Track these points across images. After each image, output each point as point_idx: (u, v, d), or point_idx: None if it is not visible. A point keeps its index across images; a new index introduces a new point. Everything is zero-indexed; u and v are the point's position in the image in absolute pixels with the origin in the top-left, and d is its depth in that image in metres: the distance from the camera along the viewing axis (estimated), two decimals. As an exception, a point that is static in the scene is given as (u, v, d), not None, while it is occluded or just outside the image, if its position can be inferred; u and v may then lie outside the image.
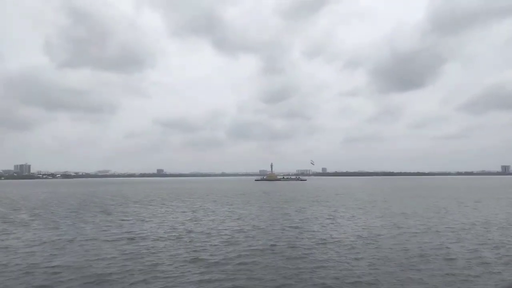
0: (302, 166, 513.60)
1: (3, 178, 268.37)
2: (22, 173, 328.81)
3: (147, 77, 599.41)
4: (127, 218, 27.63)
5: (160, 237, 21.13)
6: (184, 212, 31.32)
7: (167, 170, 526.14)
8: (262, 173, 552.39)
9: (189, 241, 20.10)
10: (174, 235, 21.38)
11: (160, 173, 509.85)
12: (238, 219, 27.14)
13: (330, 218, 26.93)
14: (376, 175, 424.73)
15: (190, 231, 22.55)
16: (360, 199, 41.70)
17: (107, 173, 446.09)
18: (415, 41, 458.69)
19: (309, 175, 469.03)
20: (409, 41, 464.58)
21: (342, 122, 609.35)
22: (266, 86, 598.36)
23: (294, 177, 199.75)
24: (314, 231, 22.23)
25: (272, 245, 19.21)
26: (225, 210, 32.18)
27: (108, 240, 20.37)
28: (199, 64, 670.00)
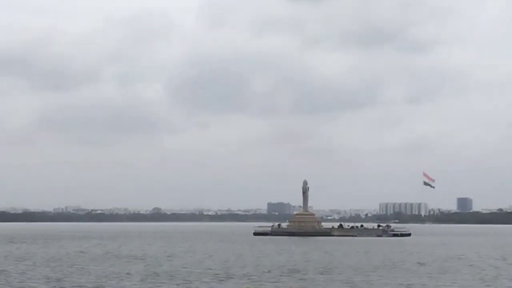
0: (396, 195, 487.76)
1: None
2: None
3: None
4: None
5: None
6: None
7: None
8: (275, 209, 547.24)
9: None
10: None
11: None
12: None
13: None
14: None
15: None
16: None
17: None
18: None
19: (420, 219, 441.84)
20: None
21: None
22: None
23: (376, 226, 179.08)
24: None
25: None
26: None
27: None
28: None
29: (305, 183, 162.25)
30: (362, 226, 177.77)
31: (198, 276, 49.80)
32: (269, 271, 53.99)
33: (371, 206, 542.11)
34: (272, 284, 44.04)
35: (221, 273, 51.95)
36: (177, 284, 43.67)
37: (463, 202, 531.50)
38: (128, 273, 51.80)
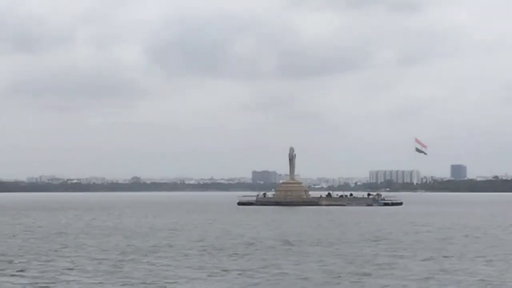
0: (387, 162, 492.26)
1: None
2: None
3: None
4: None
5: None
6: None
7: None
8: (260, 178, 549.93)
9: None
10: None
11: None
12: None
13: None
14: None
15: None
16: None
17: None
18: None
19: (412, 187, 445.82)
20: None
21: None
22: None
23: (366, 195, 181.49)
24: None
25: None
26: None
27: None
28: None
29: (291, 150, 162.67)
30: (351, 195, 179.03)
31: (181, 249, 49.97)
32: (254, 243, 54.38)
33: (361, 174, 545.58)
34: (259, 257, 44.44)
35: (205, 246, 52.12)
36: (159, 257, 43.81)
37: (457, 169, 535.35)
38: (107, 246, 51.96)
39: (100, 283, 32.35)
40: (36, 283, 32.37)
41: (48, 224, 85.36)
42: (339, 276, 34.36)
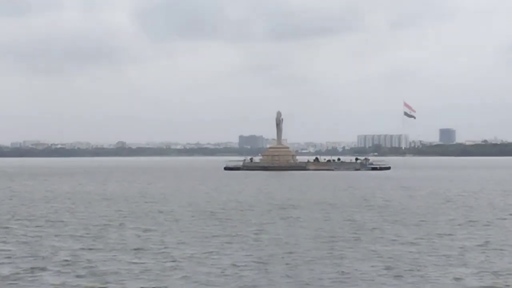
0: (376, 126, 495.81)
1: None
2: None
3: None
4: None
5: None
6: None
7: None
8: (247, 143, 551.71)
9: None
10: None
11: None
12: None
13: None
14: None
15: None
16: None
17: None
18: None
19: (401, 152, 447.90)
20: None
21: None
22: None
23: (354, 159, 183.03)
24: None
25: None
26: None
27: None
28: None
29: (279, 114, 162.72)
30: (339, 159, 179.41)
31: (171, 214, 50.01)
32: (243, 209, 54.46)
33: (349, 138, 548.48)
34: (249, 222, 44.55)
35: (194, 211, 52.12)
36: (148, 223, 43.78)
37: (446, 133, 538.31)
38: (94, 212, 51.80)
39: (88, 249, 32.26)
40: (21, 249, 32.23)
41: (33, 190, 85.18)
42: (331, 241, 34.47)
